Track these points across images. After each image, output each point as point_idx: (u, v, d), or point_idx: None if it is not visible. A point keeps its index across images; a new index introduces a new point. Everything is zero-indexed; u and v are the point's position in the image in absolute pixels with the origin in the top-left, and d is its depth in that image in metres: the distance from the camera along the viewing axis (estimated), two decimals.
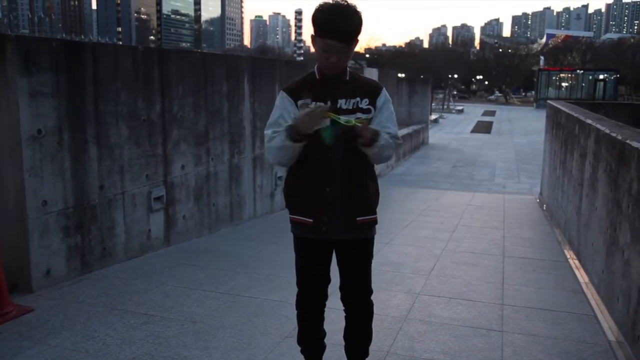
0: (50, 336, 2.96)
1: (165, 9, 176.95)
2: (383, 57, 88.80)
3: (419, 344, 3.04)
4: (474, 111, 48.30)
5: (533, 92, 67.51)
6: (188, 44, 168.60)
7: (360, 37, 2.14)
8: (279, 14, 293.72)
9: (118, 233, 4.24)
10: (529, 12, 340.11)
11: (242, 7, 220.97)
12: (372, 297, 2.35)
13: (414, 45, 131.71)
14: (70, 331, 3.03)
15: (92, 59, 3.95)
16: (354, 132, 2.02)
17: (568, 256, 5.08)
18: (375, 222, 2.28)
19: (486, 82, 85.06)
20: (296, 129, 2.02)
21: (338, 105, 2.12)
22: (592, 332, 3.29)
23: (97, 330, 3.05)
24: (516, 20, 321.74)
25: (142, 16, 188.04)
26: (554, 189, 7.31)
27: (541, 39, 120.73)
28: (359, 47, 2.48)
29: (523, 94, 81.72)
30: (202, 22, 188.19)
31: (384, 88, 2.27)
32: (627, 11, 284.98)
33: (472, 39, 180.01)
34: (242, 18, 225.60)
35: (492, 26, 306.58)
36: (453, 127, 32.77)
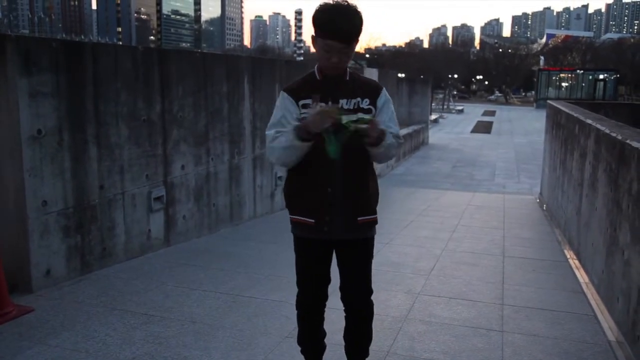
0: (50, 336, 2.96)
1: (165, 9, 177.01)
2: (383, 57, 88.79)
3: (419, 344, 3.04)
4: (474, 111, 48.31)
5: (533, 92, 67.53)
6: (188, 44, 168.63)
7: (360, 37, 2.14)
8: (279, 14, 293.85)
9: (118, 233, 4.24)
10: (529, 12, 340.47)
11: (242, 7, 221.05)
12: (372, 297, 2.35)
13: (414, 45, 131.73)
14: (70, 331, 3.04)
15: (92, 59, 3.96)
16: (361, 131, 2.02)
17: (568, 256, 5.08)
18: (375, 222, 2.29)
19: (486, 82, 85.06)
20: (305, 128, 2.02)
21: (340, 106, 2.12)
22: (592, 332, 3.29)
23: (97, 331, 3.05)
24: (516, 20, 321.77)
25: (142, 16, 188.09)
26: (554, 189, 7.31)
27: (541, 39, 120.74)
28: (359, 47, 2.49)
29: (523, 94, 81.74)
30: (202, 22, 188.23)
31: (384, 88, 2.27)
32: (627, 11, 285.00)
33: (472, 39, 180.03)
34: (242, 18, 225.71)
35: (492, 26, 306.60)
36: (453, 127, 32.77)
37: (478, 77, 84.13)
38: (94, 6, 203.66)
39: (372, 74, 11.20)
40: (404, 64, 64.43)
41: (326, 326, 2.45)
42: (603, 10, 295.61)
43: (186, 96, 4.97)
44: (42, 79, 3.54)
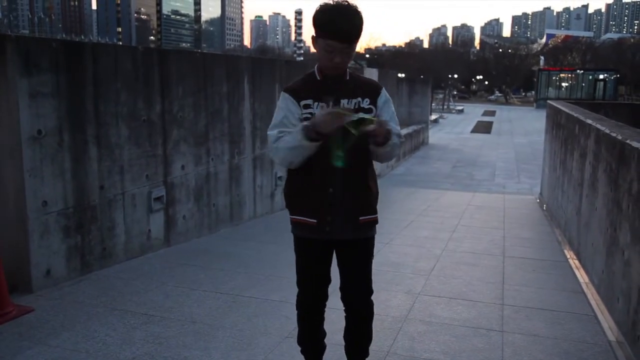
0: (50, 336, 2.96)
1: (165, 9, 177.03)
2: (383, 57, 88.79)
3: (419, 344, 3.04)
4: (474, 111, 48.31)
5: (533, 92, 67.53)
6: (188, 44, 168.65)
7: (361, 37, 2.15)
8: (279, 14, 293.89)
9: (118, 233, 4.24)
10: (529, 12, 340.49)
11: (242, 7, 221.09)
12: (373, 297, 2.35)
13: (414, 45, 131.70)
14: (71, 331, 3.04)
15: (92, 59, 3.96)
16: (368, 131, 2.02)
17: (568, 256, 5.08)
18: (376, 221, 2.29)
19: (486, 82, 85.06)
20: (315, 129, 2.01)
21: (341, 106, 2.12)
22: (592, 332, 3.29)
23: (97, 331, 3.05)
24: (516, 20, 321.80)
25: (142, 16, 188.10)
26: (554, 189, 7.31)
27: (541, 39, 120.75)
28: (359, 47, 2.49)
29: (523, 94, 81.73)
30: (202, 22, 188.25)
31: (384, 88, 2.28)
32: (627, 11, 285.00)
33: (472, 39, 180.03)
34: (242, 18, 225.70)
35: (492, 26, 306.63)
36: (453, 127, 32.77)
37: (478, 77, 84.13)
38: (94, 6, 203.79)
39: (372, 74, 11.20)
40: (404, 64, 64.44)
41: (326, 326, 2.45)
42: (603, 10, 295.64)
43: (186, 96, 4.97)
44: (42, 79, 3.54)
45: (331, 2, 2.06)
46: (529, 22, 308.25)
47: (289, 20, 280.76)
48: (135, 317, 3.25)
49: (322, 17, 2.06)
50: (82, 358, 2.76)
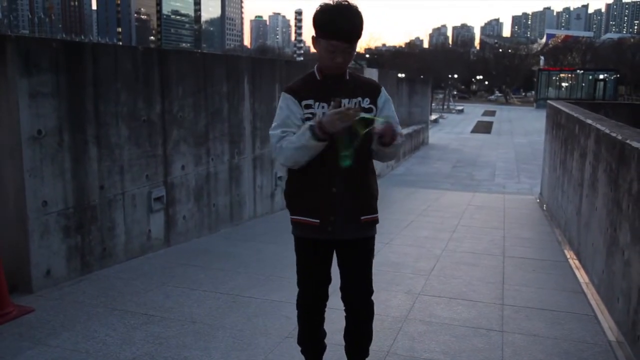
0: (50, 336, 2.96)
1: (165, 10, 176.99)
2: (383, 57, 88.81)
3: (419, 344, 3.04)
4: (474, 111, 48.31)
5: (533, 92, 67.54)
6: (188, 45, 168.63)
7: (361, 37, 2.16)
8: (279, 14, 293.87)
9: (118, 233, 4.24)
10: (529, 12, 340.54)
11: (242, 7, 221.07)
12: (373, 297, 2.36)
13: (414, 45, 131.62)
14: (71, 331, 3.04)
15: (92, 59, 3.96)
16: (377, 131, 2.04)
17: (568, 256, 5.08)
18: (377, 221, 2.30)
19: (486, 82, 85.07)
20: (322, 128, 2.02)
21: (342, 105, 2.13)
22: (592, 332, 3.29)
23: (97, 331, 3.05)
24: (516, 20, 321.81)
25: (142, 16, 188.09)
26: (554, 189, 7.31)
27: (541, 39, 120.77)
28: (359, 47, 2.50)
29: (523, 94, 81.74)
30: (202, 22, 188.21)
31: (383, 87, 2.29)
32: (627, 11, 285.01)
33: (472, 39, 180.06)
34: (242, 18, 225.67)
35: (492, 26, 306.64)
36: (453, 127, 32.78)
37: (478, 77, 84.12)
38: (94, 6, 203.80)
39: (372, 74, 11.20)
40: (404, 64, 64.45)
41: (326, 326, 2.45)
42: (603, 10, 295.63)
43: (186, 96, 4.98)
44: (42, 80, 3.54)
45: (331, 2, 2.07)
46: (529, 22, 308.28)
47: (289, 21, 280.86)
48: (135, 317, 3.25)
49: (323, 17, 2.06)
50: (82, 358, 2.76)
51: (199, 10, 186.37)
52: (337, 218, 2.18)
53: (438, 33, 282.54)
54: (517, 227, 6.74)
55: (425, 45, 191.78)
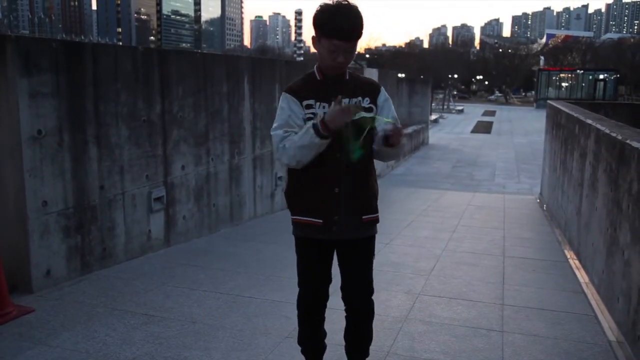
0: (50, 337, 2.97)
1: (165, 10, 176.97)
2: (383, 57, 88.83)
3: (419, 344, 3.04)
4: (474, 111, 48.32)
5: (533, 92, 67.54)
6: (188, 45, 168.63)
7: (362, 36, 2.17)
8: (279, 14, 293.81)
9: (118, 233, 4.24)
10: (529, 12, 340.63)
11: (242, 7, 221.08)
12: (373, 297, 2.36)
13: (414, 45, 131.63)
14: (71, 332, 3.04)
15: (92, 59, 3.96)
16: (384, 130, 2.07)
17: (568, 256, 5.08)
18: (377, 220, 2.31)
19: (486, 82, 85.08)
20: (325, 125, 2.02)
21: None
22: (593, 332, 3.29)
23: (97, 331, 3.05)
24: (516, 20, 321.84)
25: (142, 17, 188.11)
26: (554, 189, 7.31)
27: (541, 39, 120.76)
28: (359, 47, 2.50)
29: (523, 94, 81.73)
30: (202, 22, 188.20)
31: (382, 87, 2.30)
32: (627, 11, 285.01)
33: (472, 39, 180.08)
34: (242, 18, 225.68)
35: (492, 26, 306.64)
36: (453, 127, 32.78)
37: (478, 77, 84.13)
38: (94, 6, 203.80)
39: (372, 74, 11.20)
40: (404, 64, 64.44)
41: (327, 326, 2.45)
42: (603, 10, 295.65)
43: (186, 96, 4.98)
44: (42, 80, 3.54)
45: (332, 2, 2.07)
46: (529, 22, 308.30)
47: (289, 21, 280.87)
48: (135, 317, 3.25)
49: (324, 17, 2.07)
50: (82, 358, 2.76)
51: (199, 10, 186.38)
52: (341, 218, 2.19)
53: (438, 33, 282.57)
54: (517, 227, 6.73)
55: (425, 45, 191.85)
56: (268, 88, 6.49)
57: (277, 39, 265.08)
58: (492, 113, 46.70)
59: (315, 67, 2.23)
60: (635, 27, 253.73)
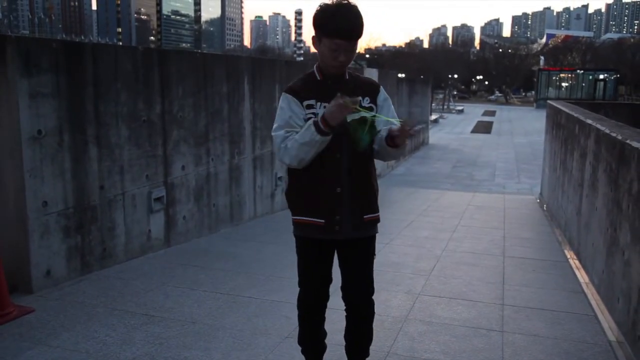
0: (50, 337, 2.97)
1: (165, 10, 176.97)
2: (383, 57, 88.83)
3: (419, 344, 3.04)
4: (474, 111, 48.33)
5: (533, 92, 67.56)
6: (188, 45, 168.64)
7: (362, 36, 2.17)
8: (279, 14, 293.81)
9: (118, 234, 4.24)
10: (529, 12, 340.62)
11: (242, 7, 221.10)
12: (373, 297, 2.36)
13: (414, 46, 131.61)
14: (71, 332, 3.04)
15: (92, 59, 3.96)
16: (391, 130, 2.08)
17: (568, 256, 5.08)
18: (378, 219, 2.31)
19: (486, 82, 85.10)
20: (326, 122, 2.02)
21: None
22: (593, 332, 3.29)
23: (97, 331, 3.05)
24: (516, 20, 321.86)
25: (142, 17, 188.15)
26: (554, 189, 7.31)
27: (541, 39, 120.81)
28: (359, 47, 2.51)
29: (523, 94, 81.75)
30: (202, 22, 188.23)
31: (382, 86, 2.31)
32: (627, 11, 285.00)
33: (472, 39, 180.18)
34: (242, 18, 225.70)
35: (492, 26, 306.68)
36: (453, 127, 32.79)
37: (478, 77, 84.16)
38: (94, 7, 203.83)
39: (372, 74, 11.20)
40: (404, 64, 64.42)
41: (327, 326, 2.45)
42: (603, 10, 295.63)
43: (186, 97, 4.98)
44: (42, 80, 3.54)
45: (331, 2, 2.08)
46: (529, 22, 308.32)
47: (289, 21, 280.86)
48: (135, 318, 3.25)
49: (325, 16, 2.07)
50: (82, 358, 2.76)
51: (199, 10, 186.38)
52: (343, 217, 2.19)
53: (438, 33, 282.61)
54: (517, 227, 6.74)
55: (425, 45, 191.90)
56: (268, 88, 6.49)
57: (277, 39, 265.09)
58: (492, 113, 46.72)
59: (315, 67, 2.23)
60: (635, 27, 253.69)
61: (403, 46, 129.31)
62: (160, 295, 3.66)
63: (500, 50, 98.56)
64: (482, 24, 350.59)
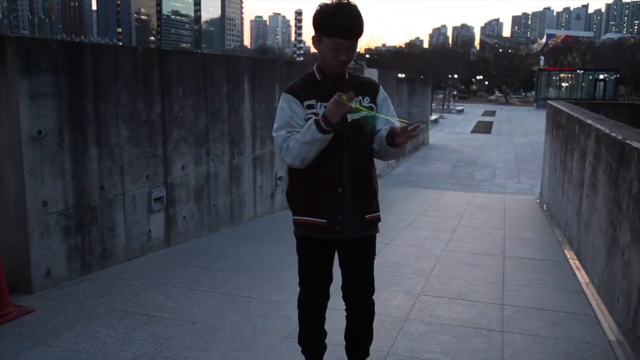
0: (50, 337, 2.97)
1: (165, 10, 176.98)
2: (383, 57, 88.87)
3: (420, 344, 3.04)
4: (474, 111, 48.33)
5: (533, 92, 67.58)
6: (188, 45, 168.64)
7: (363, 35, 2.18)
8: (279, 14, 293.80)
9: (118, 234, 4.24)
10: (529, 12, 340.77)
11: (242, 7, 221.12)
12: (373, 297, 2.36)
13: (414, 46, 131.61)
14: (71, 332, 3.04)
15: (92, 59, 3.96)
16: (392, 129, 2.09)
17: (568, 256, 5.08)
18: (379, 219, 2.31)
19: (486, 82, 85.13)
20: (326, 120, 2.03)
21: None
22: (593, 333, 3.29)
23: (97, 331, 3.05)
24: (516, 20, 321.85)
25: (142, 17, 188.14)
26: (554, 189, 7.31)
27: (541, 39, 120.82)
28: (359, 47, 2.52)
29: (523, 94, 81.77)
30: (202, 22, 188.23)
31: (381, 86, 2.32)
32: (627, 11, 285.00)
33: (472, 39, 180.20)
34: (242, 19, 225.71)
35: (492, 26, 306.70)
36: (453, 127, 32.79)
37: (478, 77, 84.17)
38: (94, 7, 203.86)
39: (372, 74, 11.20)
40: (404, 64, 64.48)
41: (327, 326, 2.45)
42: (603, 10, 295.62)
43: (186, 97, 4.98)
44: (43, 80, 3.54)
45: (331, 1, 2.08)
46: (529, 22, 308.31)
47: (289, 21, 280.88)
48: (135, 318, 3.25)
49: (325, 16, 2.08)
50: (82, 358, 2.76)
51: (199, 10, 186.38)
52: (345, 217, 2.20)
53: (438, 33, 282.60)
54: (517, 227, 6.74)
55: (425, 45, 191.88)
56: (268, 88, 6.49)
57: (277, 39, 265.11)
58: (492, 113, 46.72)
59: (314, 67, 2.23)
60: (635, 27, 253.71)
61: (403, 46, 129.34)
62: (160, 295, 3.66)
63: (500, 50, 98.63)
64: (482, 24, 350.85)
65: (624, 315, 3.13)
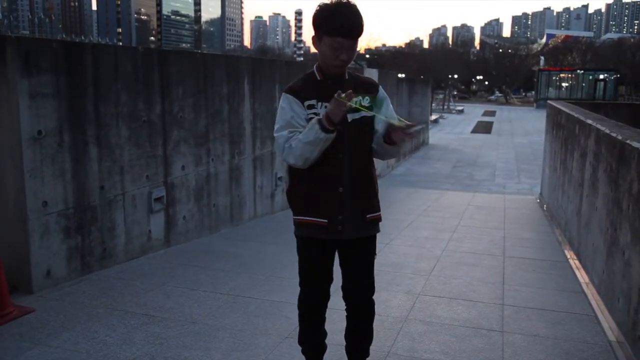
0: (50, 337, 2.97)
1: (165, 10, 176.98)
2: (383, 57, 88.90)
3: (420, 344, 3.04)
4: (474, 111, 48.34)
5: (533, 92, 67.59)
6: (188, 45, 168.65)
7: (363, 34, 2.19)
8: (279, 14, 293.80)
9: (118, 234, 4.24)
10: (529, 12, 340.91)
11: (242, 7, 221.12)
12: (373, 297, 2.36)
13: (413, 46, 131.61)
14: (71, 332, 3.04)
15: (92, 60, 3.96)
16: (393, 128, 2.09)
17: (568, 256, 5.08)
18: (380, 218, 2.31)
19: (486, 83, 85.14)
20: (329, 119, 2.03)
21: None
22: (593, 333, 3.29)
23: (97, 331, 3.05)
24: (516, 20, 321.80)
25: (142, 17, 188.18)
26: (554, 189, 7.31)
27: (541, 39, 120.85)
28: (359, 47, 2.53)
29: (523, 94, 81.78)
30: (202, 22, 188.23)
31: (380, 86, 2.33)
32: (627, 11, 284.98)
33: (472, 39, 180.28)
34: (242, 19, 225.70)
35: (492, 26, 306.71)
36: (453, 128, 32.79)
37: (478, 77, 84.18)
38: (94, 7, 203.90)
39: (372, 74, 11.20)
40: (404, 64, 64.49)
41: (327, 326, 2.45)
42: (603, 10, 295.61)
43: (186, 97, 4.98)
44: (43, 80, 3.54)
45: (330, 1, 2.09)
46: (529, 22, 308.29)
47: (289, 21, 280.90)
48: (135, 318, 3.25)
49: (325, 15, 2.08)
50: (82, 358, 2.76)
51: (199, 10, 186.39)
52: (346, 217, 2.20)
53: (438, 33, 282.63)
54: (517, 227, 6.74)
55: (425, 45, 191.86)
56: (268, 88, 6.49)
57: (277, 39, 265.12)
58: (492, 113, 46.72)
59: (314, 67, 2.23)
60: (635, 27, 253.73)
61: (403, 46, 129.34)
62: (160, 295, 3.66)
63: (500, 50, 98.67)
64: (482, 24, 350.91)
65: (624, 315, 3.13)
